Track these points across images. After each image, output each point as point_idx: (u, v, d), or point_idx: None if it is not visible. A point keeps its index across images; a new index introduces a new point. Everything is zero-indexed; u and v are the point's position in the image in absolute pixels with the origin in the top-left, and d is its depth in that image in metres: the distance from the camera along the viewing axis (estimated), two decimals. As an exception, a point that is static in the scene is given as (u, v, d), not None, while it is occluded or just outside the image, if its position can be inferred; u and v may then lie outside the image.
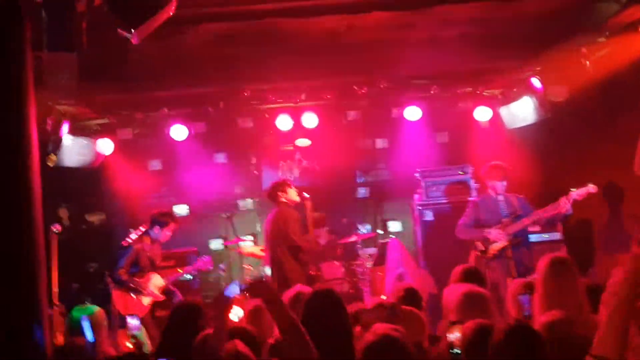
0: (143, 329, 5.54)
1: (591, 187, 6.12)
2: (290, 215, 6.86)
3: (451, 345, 2.99)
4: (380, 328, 2.82)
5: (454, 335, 3.01)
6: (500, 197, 6.54)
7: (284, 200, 6.95)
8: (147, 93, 7.32)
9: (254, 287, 3.08)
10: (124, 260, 6.73)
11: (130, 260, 6.74)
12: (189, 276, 7.39)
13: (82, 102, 7.21)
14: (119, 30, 3.76)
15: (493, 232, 6.35)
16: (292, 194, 6.97)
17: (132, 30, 3.71)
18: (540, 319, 3.22)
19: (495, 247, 6.33)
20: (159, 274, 6.96)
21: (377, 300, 4.39)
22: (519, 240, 6.32)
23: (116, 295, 6.64)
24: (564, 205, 6.13)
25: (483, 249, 6.40)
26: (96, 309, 4.46)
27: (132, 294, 6.69)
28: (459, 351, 2.91)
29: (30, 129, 3.64)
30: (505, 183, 6.53)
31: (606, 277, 4.39)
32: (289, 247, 6.73)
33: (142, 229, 6.96)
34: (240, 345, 3.22)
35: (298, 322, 2.87)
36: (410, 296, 4.25)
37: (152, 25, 3.84)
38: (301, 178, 9.11)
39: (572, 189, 6.17)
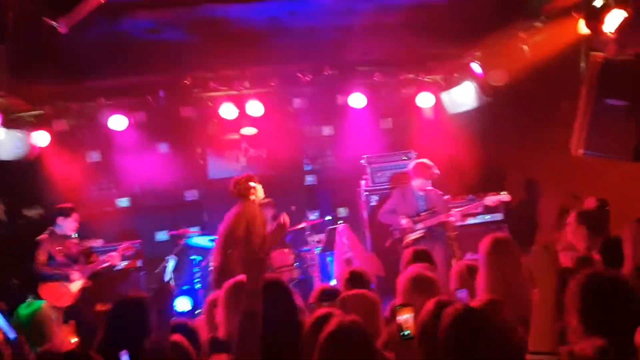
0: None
1: (504, 196, 6.80)
2: (257, 214, 6.20)
3: (400, 328, 3.00)
4: (337, 317, 2.81)
5: (403, 317, 3.02)
6: (421, 193, 6.92)
7: (253, 197, 6.24)
8: (83, 83, 7.10)
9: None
10: (37, 255, 6.51)
11: (44, 254, 6.51)
12: (121, 264, 7.18)
13: (14, 93, 6.92)
14: (46, 19, 3.60)
15: (409, 222, 6.81)
16: (260, 191, 6.29)
17: (59, 19, 3.55)
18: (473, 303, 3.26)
19: (411, 237, 6.79)
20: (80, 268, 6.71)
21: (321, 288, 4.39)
22: (434, 235, 6.78)
23: (44, 289, 6.45)
24: (477, 206, 6.92)
25: (399, 236, 6.87)
26: (43, 304, 4.31)
27: (59, 284, 6.48)
28: (409, 332, 2.94)
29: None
30: (429, 181, 6.91)
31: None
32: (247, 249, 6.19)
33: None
34: (178, 338, 3.18)
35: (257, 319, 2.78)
36: (356, 278, 4.31)
37: (81, 14, 3.69)
38: (248, 167, 9.03)
39: (488, 195, 6.81)
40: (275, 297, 3.04)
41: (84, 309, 6.36)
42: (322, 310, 3.07)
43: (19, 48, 5.59)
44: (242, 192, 6.13)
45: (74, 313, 6.30)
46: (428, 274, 3.74)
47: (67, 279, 6.53)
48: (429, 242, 6.65)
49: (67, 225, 6.76)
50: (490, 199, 6.76)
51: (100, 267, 6.85)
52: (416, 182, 6.94)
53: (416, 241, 6.74)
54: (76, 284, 6.61)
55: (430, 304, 2.92)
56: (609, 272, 2.81)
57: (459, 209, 6.79)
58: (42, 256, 6.52)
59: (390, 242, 6.96)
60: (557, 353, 2.31)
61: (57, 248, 6.60)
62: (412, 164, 7.12)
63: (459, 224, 6.84)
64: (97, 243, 7.65)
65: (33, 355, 3.36)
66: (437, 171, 6.94)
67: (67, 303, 6.41)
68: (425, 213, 6.84)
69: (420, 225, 6.83)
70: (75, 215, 6.83)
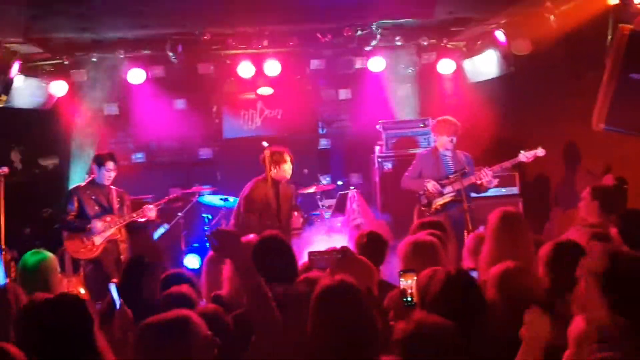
0: None
1: (540, 151, 6.28)
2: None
3: (403, 294, 2.99)
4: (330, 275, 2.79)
5: (406, 283, 3.01)
6: (448, 153, 6.53)
7: (272, 174, 6.50)
8: (103, 34, 7.04)
9: (221, 239, 2.73)
10: (68, 205, 6.35)
11: (74, 204, 6.34)
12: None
13: (33, 41, 6.89)
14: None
15: (433, 185, 6.38)
16: (284, 171, 6.57)
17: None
18: (492, 269, 3.23)
19: (439, 201, 6.40)
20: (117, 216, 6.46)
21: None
22: (463, 197, 6.19)
23: (67, 238, 6.42)
24: (510, 164, 6.38)
25: (426, 202, 6.46)
26: (49, 255, 4.36)
27: (82, 237, 6.33)
28: (411, 298, 2.93)
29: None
30: (454, 139, 6.47)
31: (560, 232, 4.48)
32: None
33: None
34: (184, 288, 3.22)
35: (264, 285, 2.73)
36: (374, 241, 4.21)
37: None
38: (263, 127, 9.00)
39: (521, 151, 6.30)
40: (272, 249, 3.05)
41: (106, 262, 6.31)
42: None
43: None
44: (274, 160, 6.47)
45: (94, 265, 6.29)
46: (429, 238, 3.68)
47: (88, 232, 6.30)
48: (457, 206, 6.22)
49: (102, 174, 6.41)
50: (525, 155, 6.24)
51: (133, 220, 6.47)
52: (440, 140, 6.52)
53: (445, 206, 6.38)
54: (101, 237, 6.33)
55: (428, 272, 2.90)
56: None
57: (490, 168, 6.30)
58: (72, 207, 6.33)
59: (417, 209, 6.50)
60: None
61: (90, 197, 6.37)
62: (433, 122, 6.74)
63: (490, 185, 6.37)
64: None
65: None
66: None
67: (89, 255, 6.27)
68: (455, 175, 6.35)
69: (448, 189, 6.38)
70: (109, 164, 6.41)
